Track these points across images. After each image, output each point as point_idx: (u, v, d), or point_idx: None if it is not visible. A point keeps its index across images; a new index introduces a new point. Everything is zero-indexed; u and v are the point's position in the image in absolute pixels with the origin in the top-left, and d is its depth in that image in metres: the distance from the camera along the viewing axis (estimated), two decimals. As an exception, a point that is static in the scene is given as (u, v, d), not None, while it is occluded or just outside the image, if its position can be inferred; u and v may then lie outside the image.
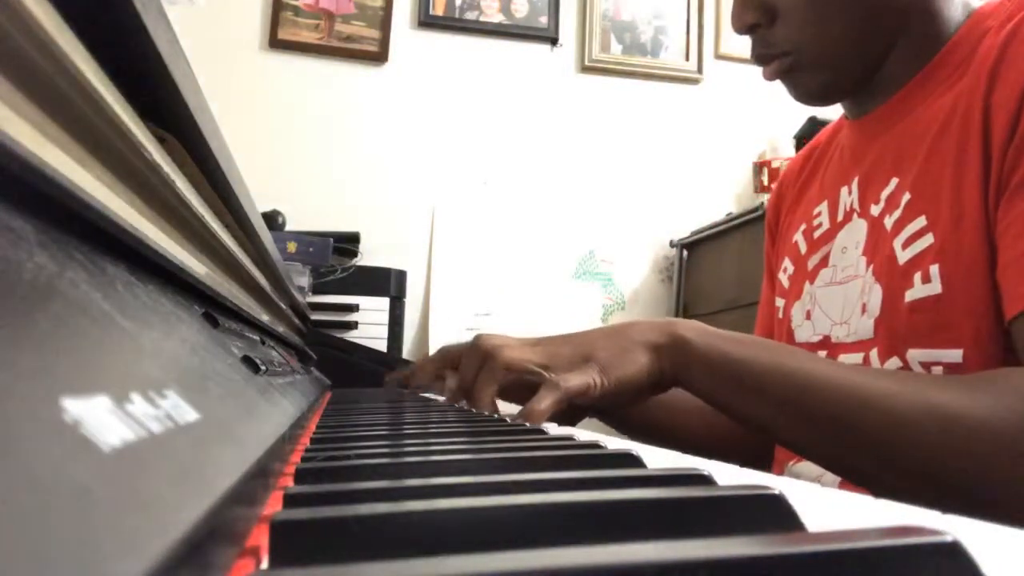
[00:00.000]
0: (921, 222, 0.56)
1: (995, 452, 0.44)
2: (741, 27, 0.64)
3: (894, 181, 0.60)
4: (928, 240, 0.55)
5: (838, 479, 0.58)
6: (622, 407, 0.60)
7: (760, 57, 0.64)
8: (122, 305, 0.19)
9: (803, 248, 0.72)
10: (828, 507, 0.20)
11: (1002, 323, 0.51)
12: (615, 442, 0.36)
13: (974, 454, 0.44)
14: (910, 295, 0.55)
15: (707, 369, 0.54)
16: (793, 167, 0.82)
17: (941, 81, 0.59)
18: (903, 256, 0.57)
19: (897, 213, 0.58)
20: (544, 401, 0.52)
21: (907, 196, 0.58)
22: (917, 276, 0.55)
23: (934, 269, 0.54)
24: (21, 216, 0.15)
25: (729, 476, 0.24)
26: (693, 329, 0.56)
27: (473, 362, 0.60)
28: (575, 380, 0.54)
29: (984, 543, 0.14)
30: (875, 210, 0.62)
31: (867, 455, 0.48)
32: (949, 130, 0.56)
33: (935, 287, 0.54)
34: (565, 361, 0.56)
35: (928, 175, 0.57)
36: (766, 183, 2.07)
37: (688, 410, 0.73)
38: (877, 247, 0.60)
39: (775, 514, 0.18)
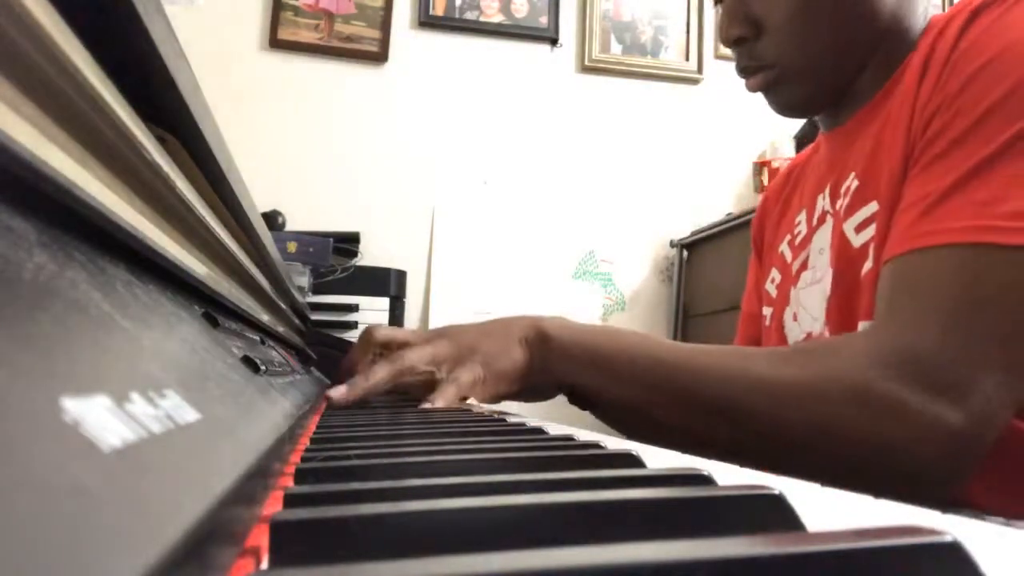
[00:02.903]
0: (873, 207, 0.60)
1: (806, 415, 0.50)
2: (728, 40, 0.67)
3: (852, 175, 0.64)
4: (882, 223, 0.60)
5: None
6: (501, 399, 0.67)
7: (745, 69, 0.67)
8: (122, 305, 0.19)
9: (788, 256, 0.76)
10: (828, 507, 0.20)
11: None
12: (615, 442, 0.36)
13: (778, 414, 0.51)
14: (863, 271, 0.60)
15: (566, 357, 0.61)
16: (776, 184, 0.86)
17: (900, 93, 0.63)
18: (857, 240, 0.61)
19: (846, 200, 0.63)
20: (443, 398, 0.58)
21: (855, 183, 0.62)
22: (870, 255, 0.59)
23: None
24: (21, 216, 0.15)
25: (729, 476, 0.24)
26: (553, 324, 0.63)
27: (380, 362, 0.63)
28: (465, 377, 0.60)
29: (984, 543, 0.14)
30: (838, 204, 0.66)
31: (702, 419, 0.55)
32: (889, 124, 0.60)
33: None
34: (452, 358, 0.62)
35: (874, 165, 0.61)
36: (766, 183, 2.07)
37: None
38: (833, 235, 0.65)
39: (775, 514, 0.18)
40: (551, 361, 0.61)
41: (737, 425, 0.53)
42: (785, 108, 0.68)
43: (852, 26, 0.63)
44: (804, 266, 0.72)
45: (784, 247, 0.77)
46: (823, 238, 0.69)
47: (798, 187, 0.79)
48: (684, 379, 0.55)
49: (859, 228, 0.61)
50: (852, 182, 0.63)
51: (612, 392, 0.60)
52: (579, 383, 0.62)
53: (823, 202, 0.70)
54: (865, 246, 0.60)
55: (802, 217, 0.74)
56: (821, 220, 0.70)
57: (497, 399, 0.65)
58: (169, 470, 0.13)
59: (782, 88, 0.66)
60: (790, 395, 0.51)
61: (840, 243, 0.62)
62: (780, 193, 0.83)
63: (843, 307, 0.61)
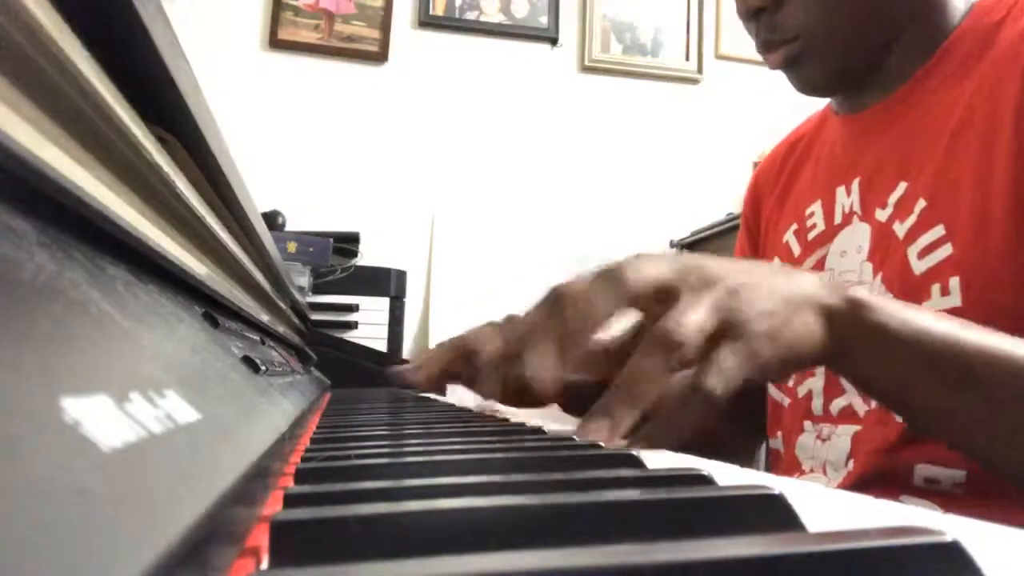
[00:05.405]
0: (939, 231, 0.53)
1: None
2: (747, 11, 0.61)
3: (903, 185, 0.58)
4: (947, 251, 0.52)
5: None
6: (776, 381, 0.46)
7: (766, 43, 0.62)
8: (122, 305, 0.19)
9: (796, 250, 0.70)
10: (828, 507, 0.20)
11: None
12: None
13: None
14: (927, 307, 0.52)
15: (885, 337, 0.41)
16: (773, 160, 0.78)
17: (946, 77, 0.57)
18: (919, 266, 0.54)
19: (911, 220, 0.56)
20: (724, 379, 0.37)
21: (922, 203, 0.55)
22: (935, 288, 0.52)
23: (954, 282, 0.51)
24: (21, 216, 0.15)
25: (729, 476, 0.24)
26: (863, 290, 0.43)
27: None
28: (730, 367, 0.38)
29: (984, 543, 0.14)
30: (881, 214, 0.60)
31: None
32: (968, 131, 0.53)
33: (954, 300, 0.51)
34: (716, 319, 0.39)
35: (945, 180, 0.54)
36: (766, 183, 2.07)
37: None
38: (887, 255, 0.58)
39: (775, 514, 0.18)
40: (857, 343, 0.41)
41: None
42: (807, 86, 0.63)
43: None
44: (820, 265, 0.66)
45: (789, 237, 0.70)
46: (847, 241, 0.63)
47: (803, 167, 0.73)
48: None
49: (922, 254, 0.54)
50: (910, 197, 0.57)
51: (940, 399, 0.41)
52: (887, 376, 0.43)
53: (848, 199, 0.64)
54: (928, 275, 0.53)
55: (816, 208, 0.67)
56: (846, 220, 0.63)
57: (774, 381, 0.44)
58: (169, 470, 0.13)
59: (805, 64, 0.61)
60: None
61: (902, 269, 0.56)
62: (781, 170, 0.76)
63: None
